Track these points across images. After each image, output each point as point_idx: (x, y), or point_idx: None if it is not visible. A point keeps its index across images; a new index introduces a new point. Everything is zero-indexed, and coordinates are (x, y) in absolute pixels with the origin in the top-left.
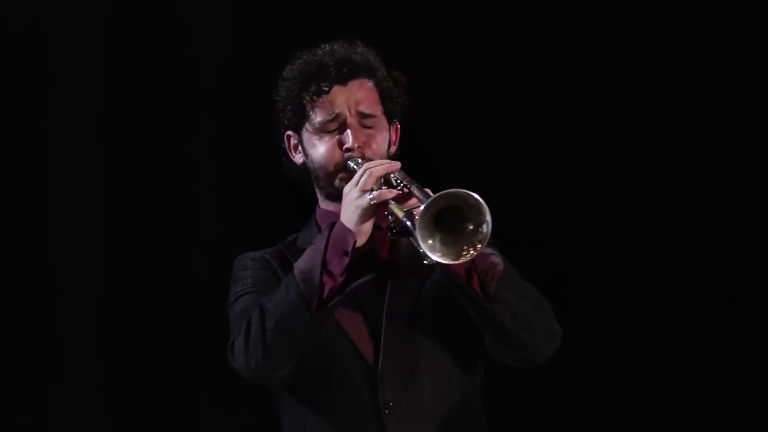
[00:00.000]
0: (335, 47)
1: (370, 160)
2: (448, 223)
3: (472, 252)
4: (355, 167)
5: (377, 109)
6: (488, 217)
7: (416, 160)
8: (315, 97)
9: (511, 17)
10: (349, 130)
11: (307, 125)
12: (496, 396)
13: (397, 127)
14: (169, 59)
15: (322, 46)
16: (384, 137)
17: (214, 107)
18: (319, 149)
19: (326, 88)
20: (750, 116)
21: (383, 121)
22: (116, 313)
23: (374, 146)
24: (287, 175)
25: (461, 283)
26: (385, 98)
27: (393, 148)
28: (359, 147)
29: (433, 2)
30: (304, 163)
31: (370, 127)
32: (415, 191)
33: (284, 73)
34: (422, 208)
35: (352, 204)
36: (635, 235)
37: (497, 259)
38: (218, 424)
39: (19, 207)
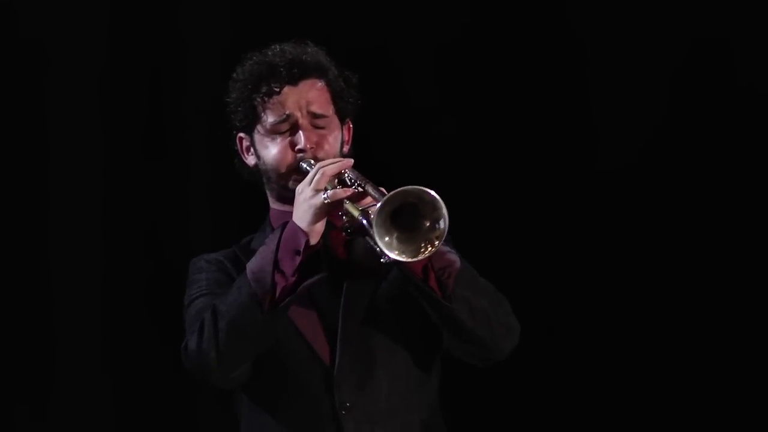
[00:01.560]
0: (285, 48)
1: (323, 160)
2: (405, 220)
3: (430, 248)
4: (307, 168)
5: (329, 109)
6: (444, 213)
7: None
8: (266, 99)
9: (510, 22)
10: (301, 132)
11: (258, 127)
12: (457, 396)
13: (349, 126)
14: (166, 67)
15: (273, 47)
16: (336, 137)
17: (211, 108)
18: (271, 151)
19: (277, 89)
20: (750, 122)
21: (335, 120)
22: (115, 312)
23: (326, 147)
24: (240, 177)
25: (419, 282)
26: (336, 98)
27: (346, 148)
28: (311, 148)
29: (434, 4)
30: (256, 165)
31: (322, 128)
32: (370, 189)
33: (235, 75)
34: (378, 206)
35: (306, 203)
36: (632, 243)
37: (454, 256)
38: (218, 423)
39: (19, 208)
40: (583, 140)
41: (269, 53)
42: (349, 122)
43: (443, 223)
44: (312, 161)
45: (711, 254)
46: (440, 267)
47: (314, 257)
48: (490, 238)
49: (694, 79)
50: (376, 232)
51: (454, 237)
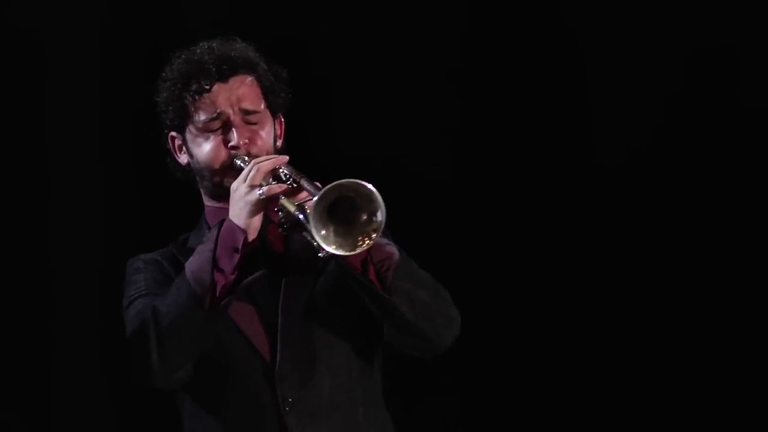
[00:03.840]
0: (214, 45)
1: (257, 156)
2: (342, 214)
3: (367, 242)
4: (241, 165)
5: (260, 104)
6: (381, 205)
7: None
8: (197, 97)
9: (509, 23)
10: (233, 129)
11: (190, 126)
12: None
13: (281, 120)
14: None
15: (201, 44)
16: (269, 132)
17: None
18: (204, 149)
19: (207, 87)
20: (750, 122)
21: (267, 115)
22: (113, 311)
23: (259, 142)
24: (172, 175)
25: (358, 275)
26: (267, 92)
27: (279, 142)
28: (245, 144)
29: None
30: (188, 164)
31: (255, 123)
32: (305, 184)
33: (164, 74)
34: (314, 200)
35: (241, 200)
36: (631, 242)
37: (393, 248)
38: None
39: (19, 209)
40: (582, 141)
41: (197, 51)
42: (281, 116)
43: (380, 216)
44: (246, 158)
45: (709, 253)
46: (379, 260)
47: (253, 253)
48: (488, 236)
49: (694, 78)
50: (313, 227)
51: (445, 234)
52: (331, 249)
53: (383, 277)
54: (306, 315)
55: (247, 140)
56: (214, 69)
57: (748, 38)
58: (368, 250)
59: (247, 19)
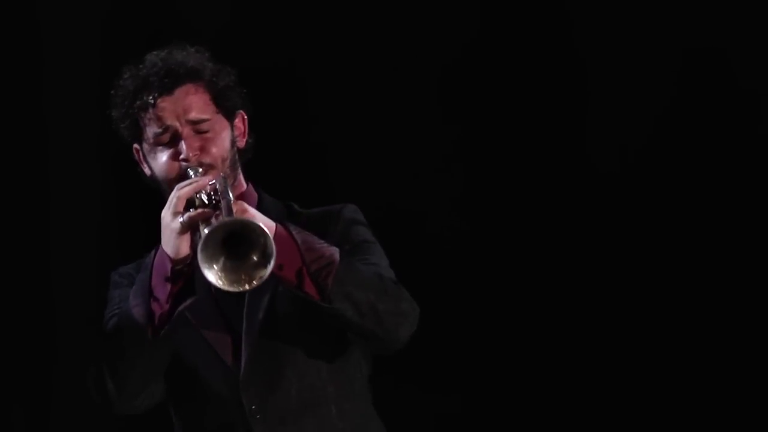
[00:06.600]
0: (157, 58)
1: (210, 165)
2: (239, 250)
3: (246, 286)
4: (194, 176)
5: (209, 112)
6: (273, 255)
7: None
8: (143, 112)
9: (513, 30)
10: (182, 141)
11: (144, 140)
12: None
13: (243, 117)
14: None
15: (148, 56)
16: (224, 137)
17: None
18: (159, 162)
19: (152, 102)
20: (745, 126)
21: (220, 120)
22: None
23: (213, 150)
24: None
25: (293, 288)
26: (217, 97)
27: (242, 142)
28: (195, 155)
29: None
30: (151, 175)
31: (206, 131)
32: (222, 207)
33: (113, 90)
34: (205, 232)
35: (167, 228)
36: (626, 248)
37: (332, 252)
38: None
39: (19, 208)
40: (578, 144)
41: (140, 66)
42: (243, 114)
43: (268, 268)
44: (200, 168)
45: (704, 255)
46: (317, 268)
47: (191, 279)
48: (485, 240)
49: (689, 83)
50: (200, 255)
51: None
52: (210, 277)
53: (322, 286)
54: (269, 320)
55: (197, 151)
56: (157, 83)
57: (740, 41)
58: (303, 262)
59: (248, 29)
